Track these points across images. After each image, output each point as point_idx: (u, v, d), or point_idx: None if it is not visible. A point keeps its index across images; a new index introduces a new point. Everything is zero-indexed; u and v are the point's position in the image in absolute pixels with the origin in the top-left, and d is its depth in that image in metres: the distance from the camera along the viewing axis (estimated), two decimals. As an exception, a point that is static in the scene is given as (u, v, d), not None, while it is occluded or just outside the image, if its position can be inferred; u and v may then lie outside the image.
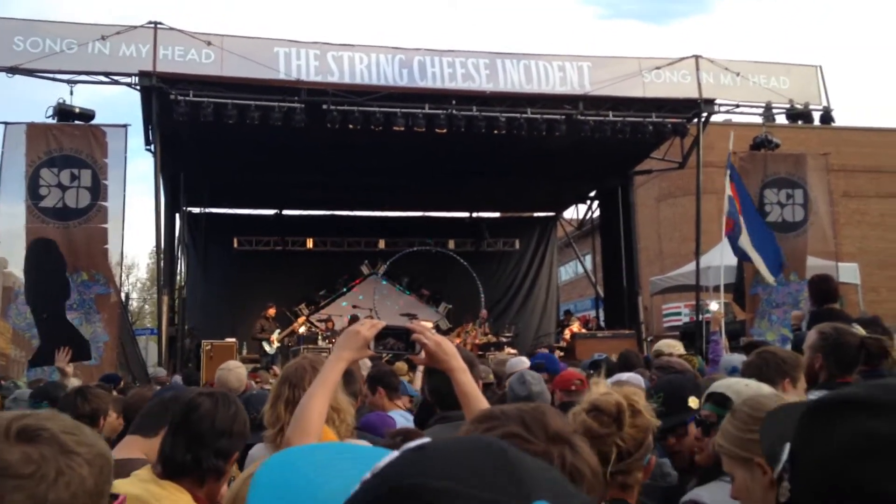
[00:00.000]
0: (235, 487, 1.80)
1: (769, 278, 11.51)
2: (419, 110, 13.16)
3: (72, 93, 12.17)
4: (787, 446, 1.00)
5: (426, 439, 0.69)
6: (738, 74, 14.64)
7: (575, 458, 1.25)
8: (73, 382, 6.36)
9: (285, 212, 20.11)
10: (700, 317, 14.88)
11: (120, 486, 2.25)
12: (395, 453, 0.67)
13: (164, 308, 13.62)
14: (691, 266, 15.71)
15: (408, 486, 0.61)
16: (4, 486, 1.06)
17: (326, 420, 2.88)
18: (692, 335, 15.09)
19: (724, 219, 10.81)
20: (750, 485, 1.87)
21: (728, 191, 10.34)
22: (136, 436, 2.97)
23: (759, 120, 15.44)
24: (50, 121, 12.03)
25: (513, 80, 13.83)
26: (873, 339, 3.75)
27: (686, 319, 20.78)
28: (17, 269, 11.90)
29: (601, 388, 2.15)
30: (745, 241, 10.36)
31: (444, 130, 13.39)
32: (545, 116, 13.64)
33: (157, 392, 4.53)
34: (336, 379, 2.19)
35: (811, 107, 15.02)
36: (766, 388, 2.52)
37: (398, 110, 13.08)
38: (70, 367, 7.98)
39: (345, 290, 20.30)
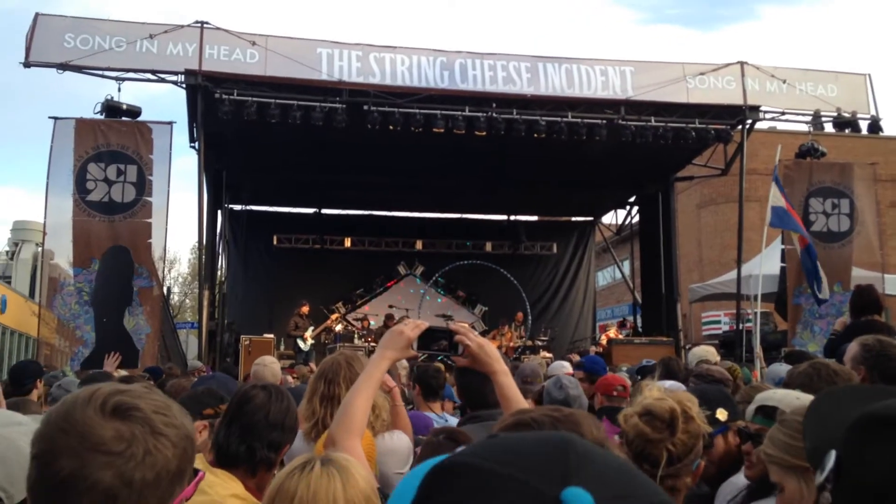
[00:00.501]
0: (278, 481, 1.83)
1: (826, 293, 11.38)
2: (459, 113, 13.18)
3: (119, 90, 12.44)
4: (833, 455, 0.94)
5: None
6: (784, 81, 14.40)
7: None
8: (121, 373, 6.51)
9: (324, 211, 20.28)
10: (741, 325, 14.67)
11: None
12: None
13: (205, 303, 13.83)
14: (732, 274, 15.50)
15: (459, 463, 0.64)
16: (95, 461, 1.08)
17: None
18: (732, 344, 14.88)
19: (766, 229, 10.67)
20: (805, 494, 1.81)
21: (779, 202, 10.18)
22: None
23: (805, 128, 15.18)
24: (98, 117, 12.30)
25: (554, 83, 13.78)
26: None
27: (726, 328, 20.50)
28: (63, 260, 12.17)
29: (655, 393, 2.14)
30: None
31: (484, 133, 13.38)
32: (586, 121, 13.56)
33: (197, 381, 4.61)
34: (380, 377, 2.20)
35: (859, 116, 14.72)
36: None
37: (438, 112, 13.11)
38: (116, 373, 8.18)
39: (381, 289, 20.40)
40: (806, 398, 2.45)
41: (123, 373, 7.99)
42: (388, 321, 16.83)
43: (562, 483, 0.60)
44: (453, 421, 4.54)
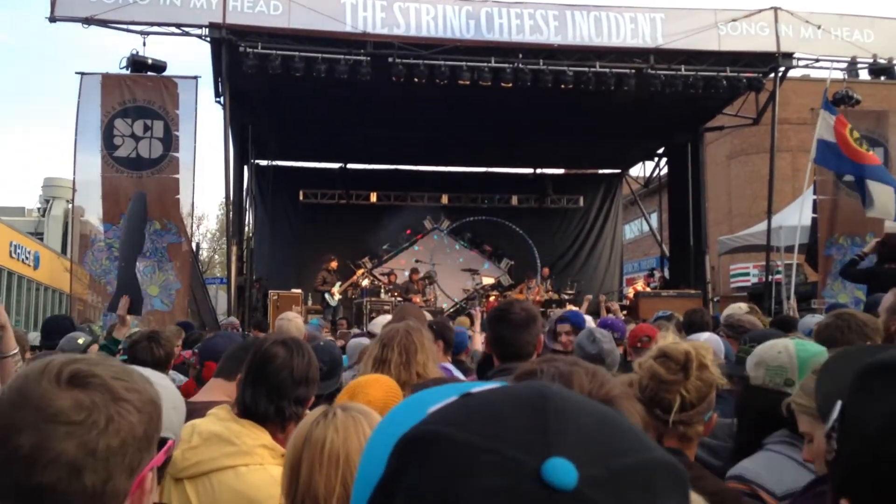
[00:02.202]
0: (303, 431, 1.82)
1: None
2: (485, 64, 13.00)
3: (144, 44, 12.41)
4: (839, 404, 0.93)
5: (486, 386, 0.67)
6: (819, 27, 14.00)
7: None
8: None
9: (350, 165, 20.24)
10: (770, 278, 14.53)
11: (199, 424, 2.32)
12: (451, 398, 0.66)
13: (233, 258, 13.93)
14: (762, 226, 15.29)
15: (432, 433, 0.60)
16: (56, 433, 1.04)
17: (406, 384, 2.93)
18: (760, 296, 14.77)
19: (810, 166, 10.34)
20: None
21: (829, 135, 9.86)
22: (220, 378, 3.05)
23: (839, 75, 14.79)
24: (124, 72, 12.29)
25: (582, 32, 13.51)
26: None
27: (755, 280, 20.35)
28: (93, 216, 12.30)
29: (670, 338, 2.14)
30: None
31: (510, 85, 13.20)
32: (614, 70, 13.31)
33: (215, 336, 4.64)
34: None
35: (896, 62, 14.31)
36: None
37: (464, 64, 12.94)
38: (129, 318, 8.22)
39: (407, 244, 20.43)
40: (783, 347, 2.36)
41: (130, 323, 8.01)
42: (413, 275, 16.88)
43: (542, 453, 0.56)
44: (458, 374, 4.60)
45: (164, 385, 1.71)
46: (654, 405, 2.02)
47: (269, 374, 2.40)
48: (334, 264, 16.65)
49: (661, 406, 2.02)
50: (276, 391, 2.38)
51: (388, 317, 5.60)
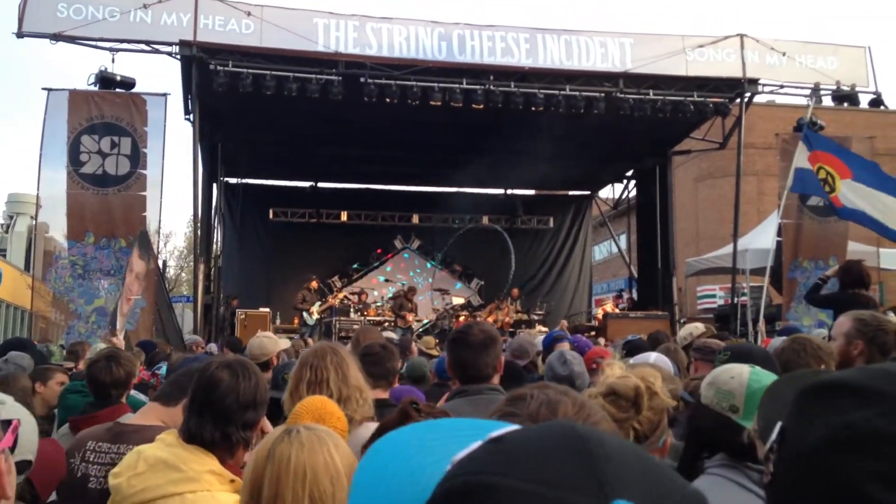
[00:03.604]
0: (266, 449, 1.79)
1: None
2: (457, 85, 13.07)
3: (113, 60, 12.31)
4: (778, 425, 0.91)
5: (506, 429, 0.67)
6: (784, 54, 14.29)
7: None
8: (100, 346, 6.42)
9: (321, 184, 20.18)
10: (736, 300, 14.69)
11: (146, 450, 2.28)
12: (475, 444, 0.65)
13: (200, 276, 13.79)
14: (728, 248, 15.48)
15: (478, 483, 0.59)
16: None
17: (349, 399, 2.89)
18: (727, 318, 14.92)
19: (785, 194, 10.40)
20: None
21: (805, 163, 9.92)
22: (156, 403, 3.00)
23: (803, 101, 15.08)
24: (92, 88, 12.18)
25: (553, 55, 13.66)
26: None
27: (721, 302, 20.55)
28: (58, 233, 12.13)
29: (616, 371, 2.08)
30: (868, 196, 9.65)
31: (482, 106, 13.28)
32: (584, 94, 13.46)
33: (184, 360, 4.57)
34: None
35: (858, 89, 14.64)
36: None
37: (436, 85, 13.00)
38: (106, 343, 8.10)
39: (377, 263, 20.38)
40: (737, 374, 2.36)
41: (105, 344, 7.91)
42: (409, 293, 16.82)
43: (602, 496, 0.56)
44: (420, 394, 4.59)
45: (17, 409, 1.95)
46: None
47: (214, 400, 2.33)
48: (315, 284, 16.77)
49: None
50: (221, 417, 2.31)
51: (269, 335, 5.54)
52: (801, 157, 10.47)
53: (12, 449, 1.28)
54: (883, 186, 9.49)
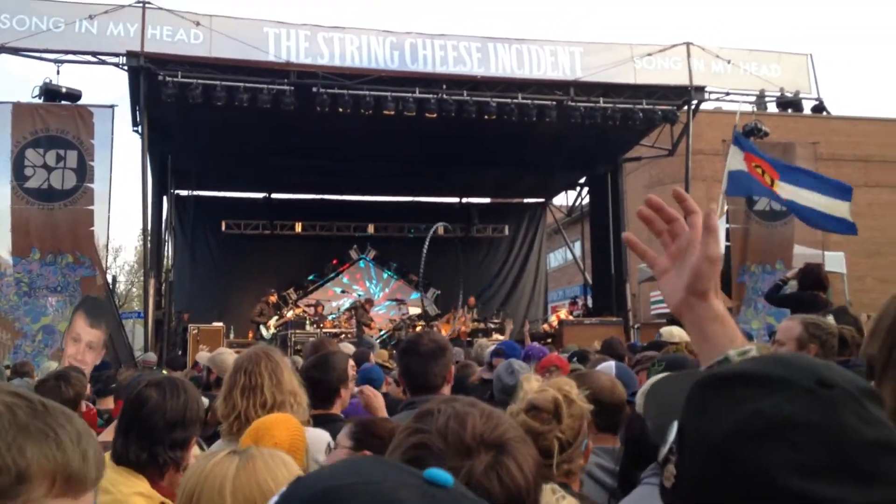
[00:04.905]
0: (203, 468, 1.71)
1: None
2: (410, 94, 13.08)
3: (58, 72, 12.05)
4: (675, 425, 0.89)
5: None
6: (729, 62, 14.61)
7: (483, 473, 1.17)
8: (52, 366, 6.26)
9: (274, 195, 19.99)
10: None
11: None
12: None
13: (151, 291, 13.53)
14: (679, 254, 15.69)
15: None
16: None
17: (283, 405, 2.86)
18: (679, 324, 15.10)
19: (721, 198, 10.63)
20: None
21: (739, 165, 10.09)
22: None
23: (748, 108, 15.43)
24: (36, 100, 11.89)
25: (504, 64, 13.77)
26: (847, 329, 3.91)
27: (673, 307, 20.81)
28: (2, 249, 11.79)
29: (534, 385, 2.12)
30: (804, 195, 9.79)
31: (435, 115, 13.31)
32: (536, 102, 13.59)
33: (133, 378, 4.48)
34: None
35: (801, 95, 15.03)
36: None
37: (388, 94, 13.00)
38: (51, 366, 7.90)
39: (333, 274, 20.25)
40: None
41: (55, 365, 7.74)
42: (367, 304, 16.95)
43: None
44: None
45: None
46: None
47: (140, 419, 2.27)
48: (273, 298, 16.80)
49: (542, 454, 2.02)
50: (148, 437, 2.25)
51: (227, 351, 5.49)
52: (736, 160, 10.72)
53: None
54: (816, 187, 9.78)
